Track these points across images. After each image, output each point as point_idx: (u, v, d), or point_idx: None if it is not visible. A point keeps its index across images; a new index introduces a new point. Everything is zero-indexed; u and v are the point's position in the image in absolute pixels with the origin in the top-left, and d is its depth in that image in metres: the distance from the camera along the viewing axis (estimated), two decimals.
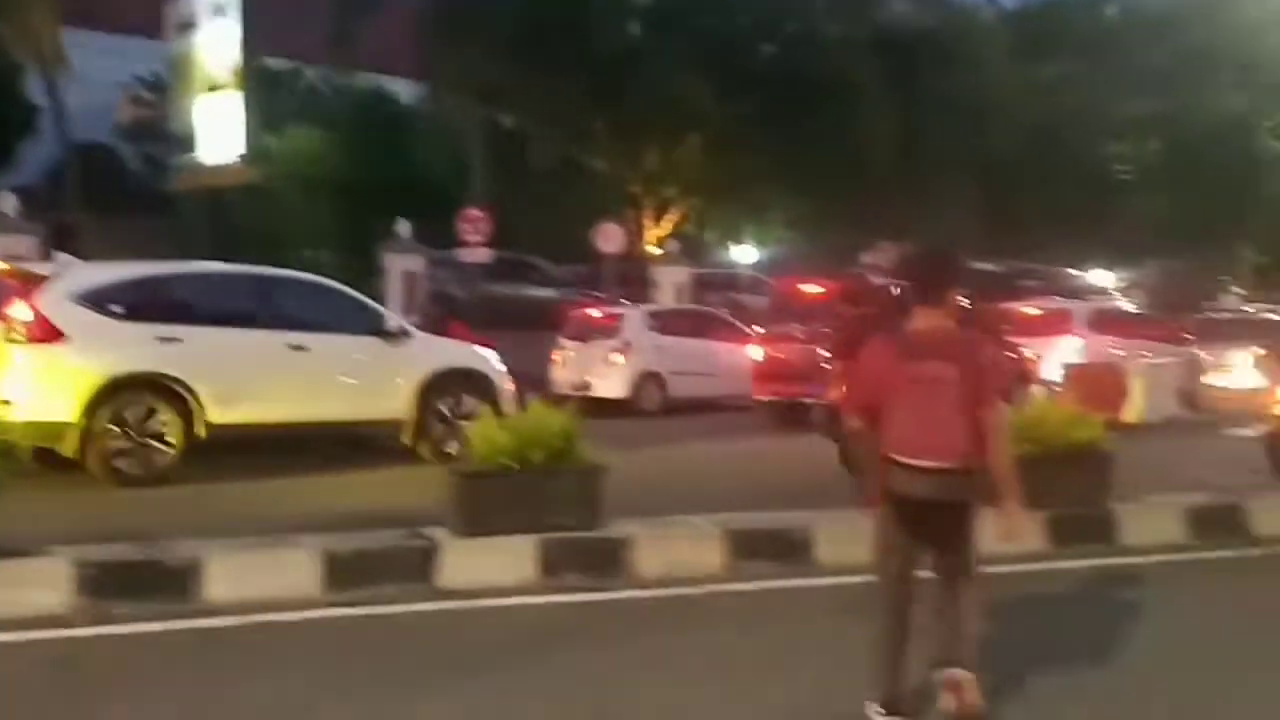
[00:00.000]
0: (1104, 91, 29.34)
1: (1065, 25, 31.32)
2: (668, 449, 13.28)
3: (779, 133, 24.43)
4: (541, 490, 7.05)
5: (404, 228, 20.89)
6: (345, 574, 6.61)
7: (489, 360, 12.06)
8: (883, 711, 4.61)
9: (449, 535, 7.03)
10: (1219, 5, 30.56)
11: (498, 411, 8.96)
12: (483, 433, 7.21)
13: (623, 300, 21.24)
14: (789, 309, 16.74)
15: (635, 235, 25.92)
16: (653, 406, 17.79)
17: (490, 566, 6.83)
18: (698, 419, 16.53)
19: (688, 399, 17.73)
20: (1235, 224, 29.41)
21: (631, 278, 23.60)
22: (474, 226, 21.12)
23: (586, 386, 17.88)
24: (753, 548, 7.35)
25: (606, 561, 7.05)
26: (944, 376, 4.43)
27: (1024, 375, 13.46)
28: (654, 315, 19.35)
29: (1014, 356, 12.71)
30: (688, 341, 18.39)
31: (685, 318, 19.64)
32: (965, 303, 6.66)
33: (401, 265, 20.68)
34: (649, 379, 18.06)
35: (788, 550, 7.42)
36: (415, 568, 6.77)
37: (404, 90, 28.74)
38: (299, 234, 21.82)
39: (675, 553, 7.21)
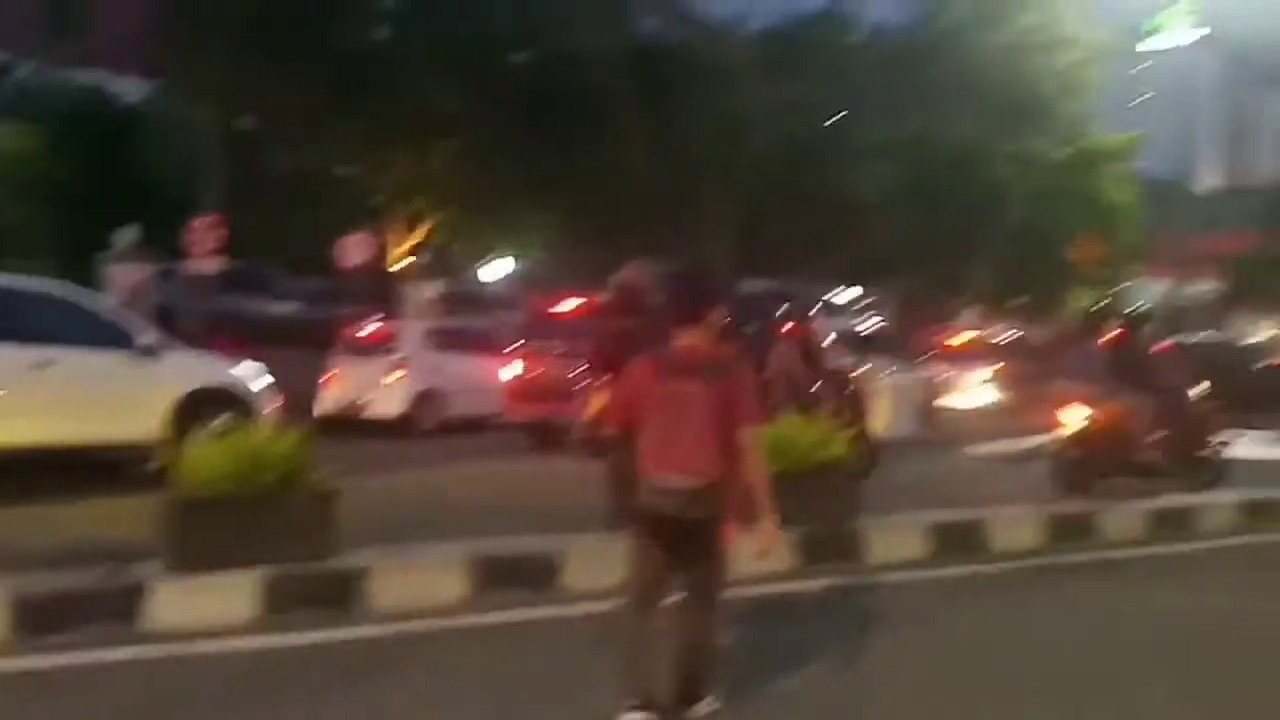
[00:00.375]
0: (851, 115, 30.56)
1: (812, 49, 32.49)
2: (428, 470, 12.84)
3: (534, 145, 24.21)
4: (266, 519, 6.47)
5: (127, 236, 19.47)
6: (39, 618, 5.90)
7: (251, 378, 11.49)
8: (636, 704, 4.54)
9: (161, 571, 6.35)
10: (957, 37, 32.43)
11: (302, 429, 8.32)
12: (200, 456, 6.55)
13: (389, 315, 20.58)
14: (544, 325, 16.49)
15: (382, 248, 25.14)
16: (430, 425, 17.35)
17: (207, 605, 6.21)
18: (474, 438, 16.11)
19: (467, 417, 17.27)
20: (974, 247, 31.13)
21: (378, 292, 22.86)
22: (205, 235, 19.83)
23: (360, 405, 17.32)
24: (498, 576, 6.99)
25: (339, 596, 6.52)
26: (698, 395, 4.48)
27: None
28: (432, 332, 18.87)
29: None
30: (466, 358, 17.90)
31: (464, 334, 19.14)
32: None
33: (124, 276, 19.21)
34: (426, 397, 17.62)
35: (535, 577, 7.10)
36: (120, 609, 6.09)
37: (131, 88, 26.98)
38: (8, 241, 19.97)
39: (414, 584, 6.76)
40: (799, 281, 28.13)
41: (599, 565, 6.95)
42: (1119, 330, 11.86)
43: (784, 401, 10.63)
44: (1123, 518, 9.88)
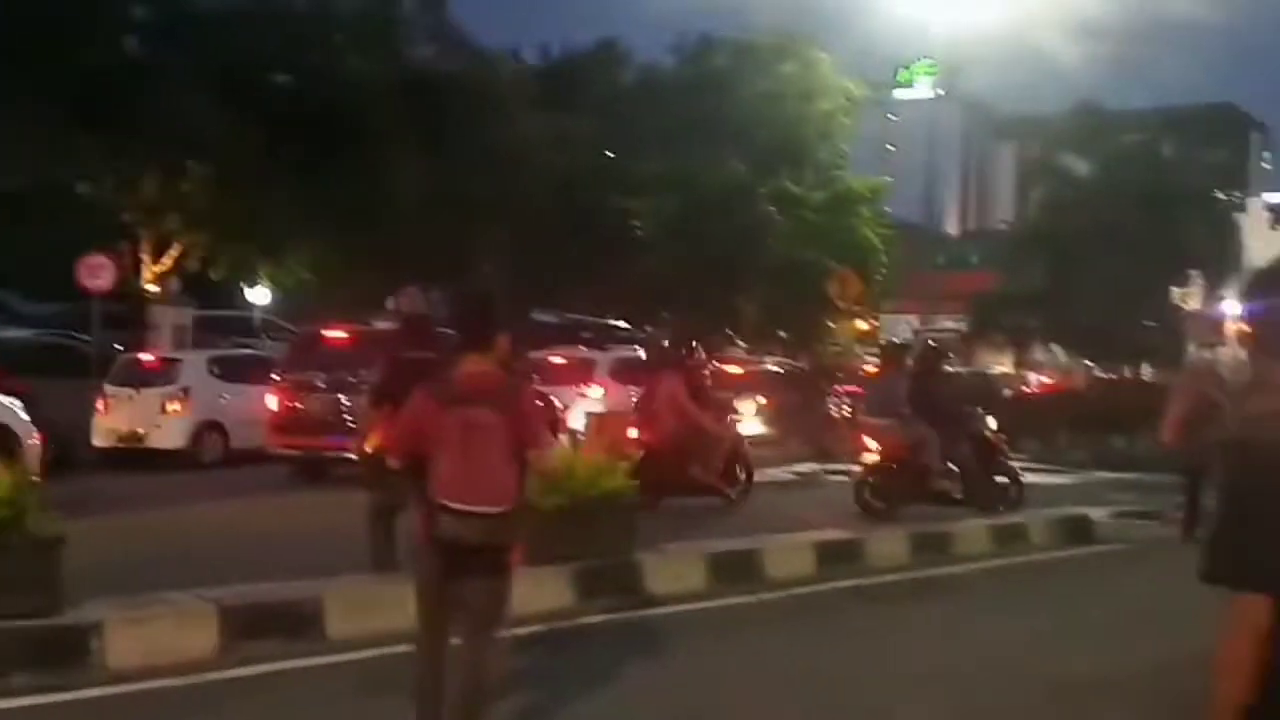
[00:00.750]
0: (622, 151, 30.88)
1: (585, 84, 32.74)
2: (193, 506, 11.99)
3: (299, 169, 23.24)
4: None
5: None
6: None
7: (9, 410, 10.75)
8: None
9: None
10: (723, 80, 33.41)
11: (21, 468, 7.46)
12: None
13: (138, 341, 19.40)
14: (310, 355, 15.82)
15: (130, 271, 23.58)
16: (213, 458, 16.69)
17: None
18: (257, 471, 15.21)
19: (251, 449, 16.38)
20: (740, 281, 31.90)
21: (124, 318, 21.41)
22: None
23: (139, 437, 16.59)
24: (252, 625, 6.41)
25: (68, 654, 5.83)
26: (489, 422, 4.44)
27: (553, 425, 13.60)
28: (215, 361, 18.06)
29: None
30: (252, 389, 16.97)
31: (250, 364, 18.18)
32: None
33: None
34: (209, 429, 16.93)
35: (294, 625, 6.55)
36: None
37: None
38: None
39: (156, 637, 6.10)
40: (577, 312, 28.26)
41: (362, 610, 6.55)
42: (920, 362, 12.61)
43: (673, 431, 11.66)
44: (888, 543, 10.10)
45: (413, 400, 4.65)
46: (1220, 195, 41.47)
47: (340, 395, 14.14)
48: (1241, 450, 2.16)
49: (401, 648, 5.48)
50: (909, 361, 12.97)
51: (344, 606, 6.68)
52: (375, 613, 6.50)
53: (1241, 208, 45.20)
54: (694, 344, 13.48)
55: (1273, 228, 50.15)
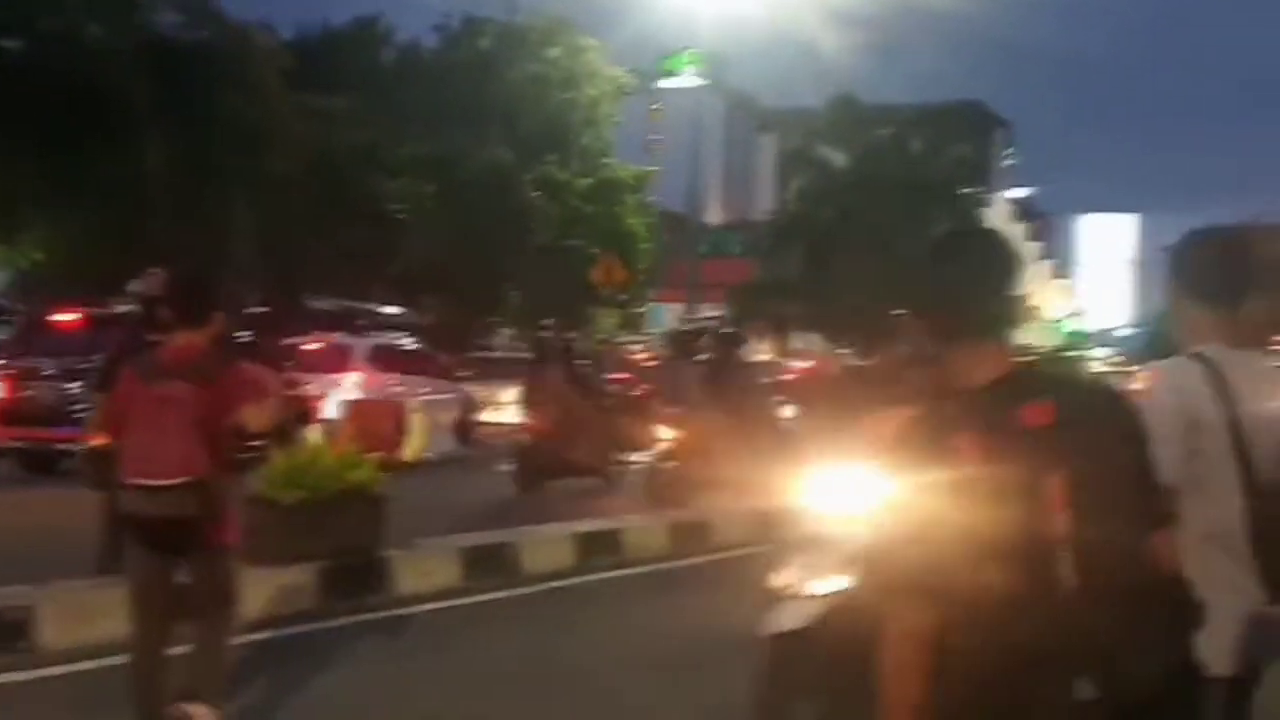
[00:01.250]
0: (383, 131, 30.03)
1: (342, 61, 31.69)
2: None
3: (31, 140, 21.61)
4: None
5: None
6: None
7: None
8: None
9: None
10: (486, 63, 32.99)
11: None
12: None
13: None
14: (37, 340, 14.74)
15: None
16: None
17: None
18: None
19: None
20: (505, 268, 31.60)
21: None
22: None
23: None
24: None
25: None
26: (181, 396, 4.39)
27: (305, 414, 13.06)
28: None
29: (296, 394, 12.54)
30: None
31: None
32: (248, 337, 6.44)
33: None
34: None
35: (0, 636, 6.00)
36: None
37: None
38: None
39: None
40: (347, 297, 27.33)
41: (81, 617, 6.08)
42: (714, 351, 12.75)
43: (557, 418, 12.44)
44: (648, 533, 10.10)
45: (119, 381, 4.57)
46: (965, 189, 43.68)
47: (68, 383, 13.28)
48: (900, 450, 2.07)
49: (122, 658, 5.11)
50: (699, 348, 12.99)
51: (59, 614, 6.19)
52: (94, 621, 6.04)
53: (985, 202, 47.74)
54: (572, 336, 14.76)
55: (1014, 222, 53.38)
